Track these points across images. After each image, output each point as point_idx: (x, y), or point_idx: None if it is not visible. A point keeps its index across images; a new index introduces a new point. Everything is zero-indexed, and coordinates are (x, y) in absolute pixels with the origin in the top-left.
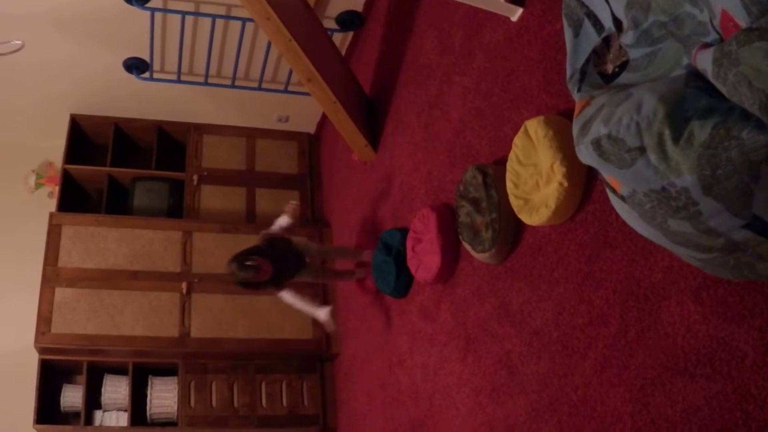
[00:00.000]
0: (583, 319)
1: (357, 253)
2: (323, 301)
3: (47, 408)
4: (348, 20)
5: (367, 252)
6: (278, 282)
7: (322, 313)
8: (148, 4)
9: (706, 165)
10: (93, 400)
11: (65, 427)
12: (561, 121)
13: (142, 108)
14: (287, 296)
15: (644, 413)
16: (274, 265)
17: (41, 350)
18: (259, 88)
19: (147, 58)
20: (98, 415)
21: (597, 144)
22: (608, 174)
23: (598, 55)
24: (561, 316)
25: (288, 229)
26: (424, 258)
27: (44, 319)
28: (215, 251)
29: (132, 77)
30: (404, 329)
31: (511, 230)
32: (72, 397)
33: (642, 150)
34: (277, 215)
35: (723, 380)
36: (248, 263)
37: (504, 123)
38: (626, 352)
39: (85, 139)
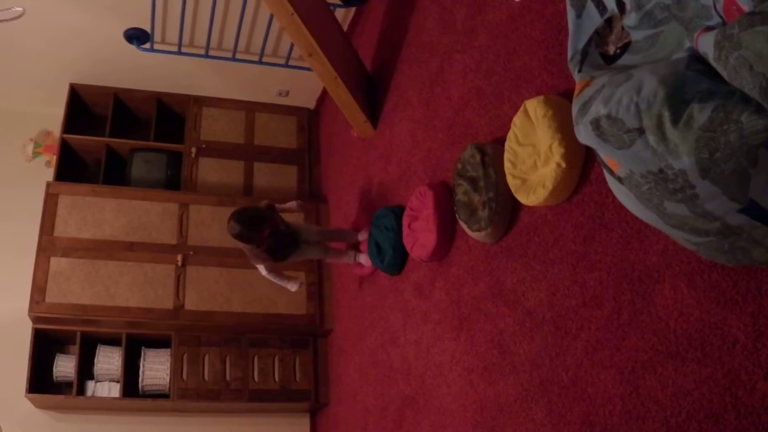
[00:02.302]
0: (576, 300)
1: (354, 236)
2: (318, 277)
3: (40, 377)
4: None
5: (362, 232)
6: (274, 252)
7: (293, 286)
8: None
9: (704, 148)
10: (85, 371)
11: (57, 397)
12: (561, 101)
13: (142, 79)
14: (266, 272)
15: (634, 396)
16: (271, 236)
17: (35, 319)
18: (260, 62)
19: (148, 29)
20: (90, 385)
21: (596, 124)
22: (606, 154)
23: (600, 36)
24: (554, 297)
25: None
26: (420, 235)
27: (39, 289)
28: (212, 224)
29: (133, 48)
30: (398, 306)
31: (507, 210)
32: (65, 366)
33: (641, 131)
34: (274, 190)
35: (714, 365)
36: (247, 217)
37: (504, 102)
38: (618, 335)
39: (84, 108)
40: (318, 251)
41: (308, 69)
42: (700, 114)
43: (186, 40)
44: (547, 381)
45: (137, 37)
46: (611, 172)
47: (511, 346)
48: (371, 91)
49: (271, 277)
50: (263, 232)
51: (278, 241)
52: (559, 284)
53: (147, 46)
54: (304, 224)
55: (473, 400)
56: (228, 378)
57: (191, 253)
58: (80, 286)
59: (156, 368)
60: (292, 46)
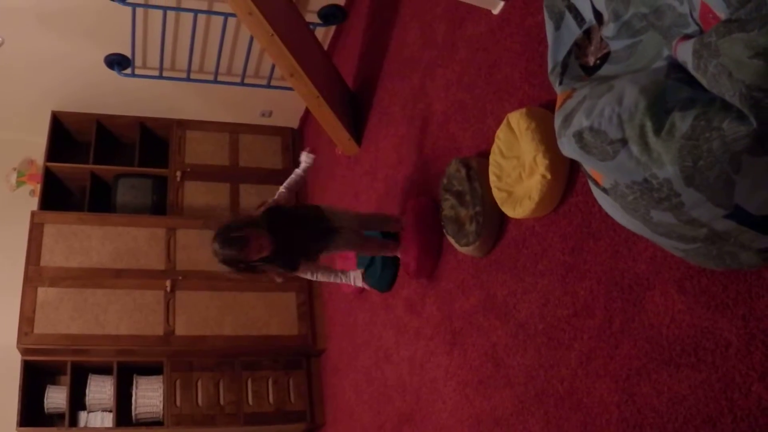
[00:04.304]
0: (567, 310)
1: (398, 223)
2: (309, 296)
3: (31, 410)
4: (330, 14)
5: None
6: (291, 261)
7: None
8: (130, 0)
9: (687, 156)
10: (77, 401)
11: (49, 429)
12: (543, 113)
13: (124, 104)
14: (317, 275)
15: (630, 403)
16: (274, 238)
17: (24, 351)
18: (242, 84)
19: (129, 54)
20: (83, 416)
21: (579, 136)
22: (590, 166)
23: (579, 47)
24: (546, 308)
25: (296, 188)
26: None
27: (27, 320)
28: (199, 248)
29: (114, 73)
30: (390, 323)
31: (494, 223)
32: (56, 398)
33: (624, 142)
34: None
35: (708, 369)
36: (233, 235)
37: (487, 115)
38: (611, 343)
39: (67, 136)
40: (355, 241)
41: (290, 89)
42: (682, 122)
43: (167, 63)
44: (542, 392)
45: (118, 62)
46: (596, 184)
47: (504, 358)
48: (354, 108)
49: (323, 277)
50: (247, 248)
51: (292, 237)
52: (550, 295)
53: (128, 71)
54: (337, 208)
55: (469, 414)
56: (222, 402)
57: (180, 277)
58: (69, 316)
59: (149, 396)
60: (273, 66)
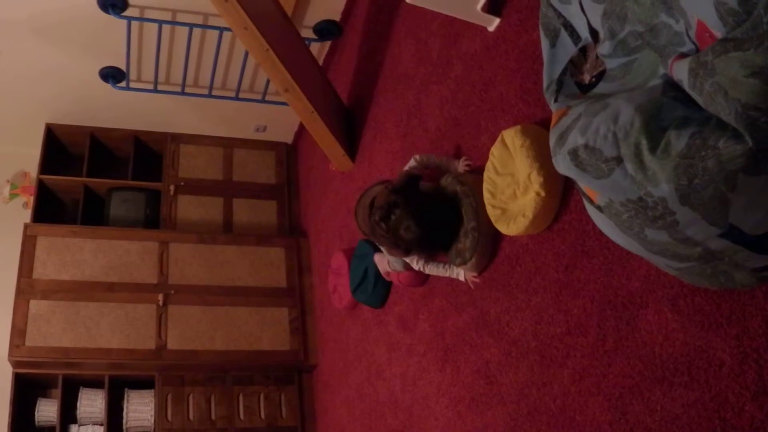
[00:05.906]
0: (561, 328)
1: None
2: (301, 311)
3: (21, 423)
4: (326, 30)
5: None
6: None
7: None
8: (125, 13)
9: (683, 175)
10: (68, 414)
11: None
12: (538, 130)
13: (118, 117)
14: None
15: (623, 422)
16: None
17: (15, 363)
18: (237, 98)
19: (123, 68)
20: (74, 429)
21: (574, 154)
22: (585, 184)
23: (575, 65)
24: (539, 326)
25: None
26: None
27: (18, 332)
28: (192, 262)
29: (108, 86)
30: (382, 339)
31: (489, 240)
32: (47, 411)
33: (619, 160)
34: (254, 226)
35: (701, 388)
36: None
37: (481, 132)
38: (604, 361)
39: (61, 148)
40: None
41: (285, 104)
42: (678, 141)
43: (162, 77)
44: (535, 410)
45: (113, 75)
46: (591, 202)
47: (497, 376)
48: (349, 124)
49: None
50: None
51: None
52: (543, 313)
53: (123, 84)
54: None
55: (462, 431)
56: (213, 417)
57: (172, 291)
58: (61, 329)
59: (140, 410)
60: (268, 81)
